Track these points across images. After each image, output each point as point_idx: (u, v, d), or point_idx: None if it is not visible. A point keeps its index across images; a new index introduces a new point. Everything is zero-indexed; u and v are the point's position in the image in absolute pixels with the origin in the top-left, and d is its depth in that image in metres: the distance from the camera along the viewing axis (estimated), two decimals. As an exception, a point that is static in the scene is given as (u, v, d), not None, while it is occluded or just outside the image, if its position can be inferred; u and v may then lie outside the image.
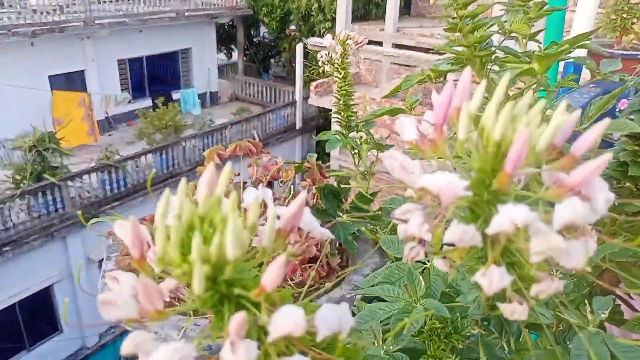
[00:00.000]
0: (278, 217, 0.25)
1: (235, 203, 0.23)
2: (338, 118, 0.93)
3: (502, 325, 0.31)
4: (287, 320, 0.21)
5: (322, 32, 13.61)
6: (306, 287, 0.79)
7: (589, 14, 2.48)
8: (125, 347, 0.23)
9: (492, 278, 0.21)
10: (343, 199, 0.90)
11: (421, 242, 0.23)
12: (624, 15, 2.97)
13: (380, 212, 0.92)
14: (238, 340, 0.21)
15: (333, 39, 0.93)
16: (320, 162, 0.92)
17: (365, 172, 0.91)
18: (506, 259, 0.22)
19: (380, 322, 0.46)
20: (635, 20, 2.94)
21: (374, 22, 13.73)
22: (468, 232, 0.21)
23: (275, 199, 0.88)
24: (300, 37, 13.94)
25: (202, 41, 14.65)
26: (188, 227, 0.23)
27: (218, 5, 14.81)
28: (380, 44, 12.54)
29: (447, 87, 0.24)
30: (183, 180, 0.26)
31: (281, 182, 0.91)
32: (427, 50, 10.21)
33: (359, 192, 0.91)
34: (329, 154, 10.33)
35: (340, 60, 0.92)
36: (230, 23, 16.49)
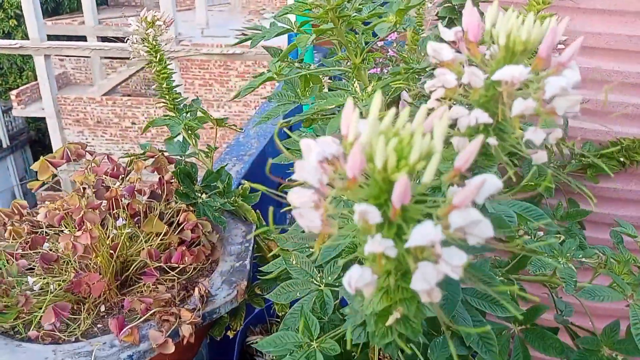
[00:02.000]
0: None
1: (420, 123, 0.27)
2: (164, 102, 0.90)
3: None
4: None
5: (7, 31, 11.68)
6: (195, 265, 0.78)
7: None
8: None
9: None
10: (195, 180, 0.89)
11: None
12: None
13: (227, 185, 0.95)
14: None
15: (138, 21, 0.88)
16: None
17: (208, 149, 0.91)
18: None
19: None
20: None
21: (69, 16, 12.45)
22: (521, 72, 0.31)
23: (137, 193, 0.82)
24: (-22, 40, 11.69)
25: None
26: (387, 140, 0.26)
27: None
28: (83, 38, 11.48)
29: (471, 12, 0.33)
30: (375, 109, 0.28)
31: (121, 178, 0.84)
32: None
33: (208, 170, 0.91)
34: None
35: (153, 43, 0.88)
36: None
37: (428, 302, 0.31)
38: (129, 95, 10.61)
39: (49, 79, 9.85)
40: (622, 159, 1.07)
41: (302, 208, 0.27)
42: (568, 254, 0.68)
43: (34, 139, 12.32)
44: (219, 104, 10.22)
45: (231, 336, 0.90)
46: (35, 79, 10.37)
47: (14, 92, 10.26)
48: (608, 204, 1.12)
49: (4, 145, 11.55)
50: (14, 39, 10.87)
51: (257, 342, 0.80)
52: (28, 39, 9.58)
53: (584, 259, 0.69)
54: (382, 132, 0.27)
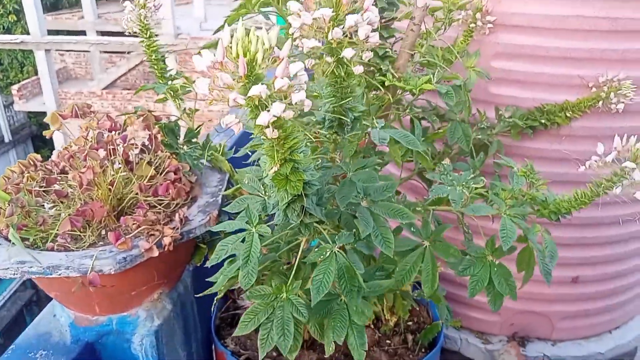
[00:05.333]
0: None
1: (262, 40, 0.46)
2: (154, 70, 1.09)
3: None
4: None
5: (6, 27, 11.84)
6: (177, 201, 0.96)
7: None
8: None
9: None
10: (177, 135, 1.08)
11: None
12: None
13: (206, 142, 1.14)
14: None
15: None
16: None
17: (189, 111, 1.10)
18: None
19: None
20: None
21: (68, 11, 12.62)
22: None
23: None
24: (-21, 35, 11.84)
25: None
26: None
27: None
28: (83, 33, 11.66)
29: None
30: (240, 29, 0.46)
31: (118, 133, 1.03)
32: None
33: (189, 128, 1.10)
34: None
35: (144, 22, 1.06)
36: None
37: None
38: (128, 89, 10.79)
39: (50, 73, 10.03)
40: (543, 121, 1.26)
41: (201, 85, 0.46)
42: (464, 183, 0.87)
43: (35, 134, 12.49)
44: (217, 96, 10.40)
45: (209, 266, 1.10)
46: (36, 74, 10.55)
47: (15, 86, 10.43)
48: (534, 162, 1.31)
49: (6, 140, 11.73)
50: (13, 34, 11.04)
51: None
52: (28, 34, 9.76)
53: (474, 185, 0.87)
54: (237, 40, 0.46)
